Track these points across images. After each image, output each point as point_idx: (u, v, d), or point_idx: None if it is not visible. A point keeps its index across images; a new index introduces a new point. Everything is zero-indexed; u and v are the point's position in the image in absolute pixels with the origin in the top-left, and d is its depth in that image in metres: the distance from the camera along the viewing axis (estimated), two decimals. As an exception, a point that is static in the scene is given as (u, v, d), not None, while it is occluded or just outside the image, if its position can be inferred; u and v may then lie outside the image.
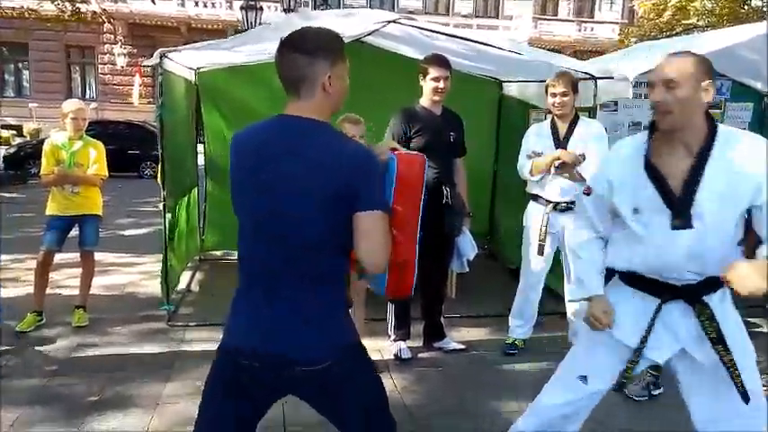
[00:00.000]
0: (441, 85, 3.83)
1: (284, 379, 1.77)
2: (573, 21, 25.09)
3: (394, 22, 4.51)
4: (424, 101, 3.94)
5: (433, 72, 3.83)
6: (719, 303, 2.10)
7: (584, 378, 2.28)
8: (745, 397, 2.02)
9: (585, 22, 25.17)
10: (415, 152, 2.13)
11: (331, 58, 1.78)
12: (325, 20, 4.55)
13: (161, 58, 4.28)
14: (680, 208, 2.03)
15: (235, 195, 1.83)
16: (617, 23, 24.08)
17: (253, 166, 1.76)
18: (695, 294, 2.09)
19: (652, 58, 5.26)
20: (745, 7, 14.97)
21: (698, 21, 15.68)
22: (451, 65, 3.93)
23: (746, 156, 1.98)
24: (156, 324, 4.60)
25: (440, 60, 3.87)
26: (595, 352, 2.29)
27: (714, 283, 2.05)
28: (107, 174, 4.63)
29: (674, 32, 15.24)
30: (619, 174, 2.18)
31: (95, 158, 4.53)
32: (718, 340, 2.04)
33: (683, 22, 15.38)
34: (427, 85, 3.87)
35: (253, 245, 1.80)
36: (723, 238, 2.02)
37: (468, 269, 4.15)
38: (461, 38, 4.79)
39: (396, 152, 1.92)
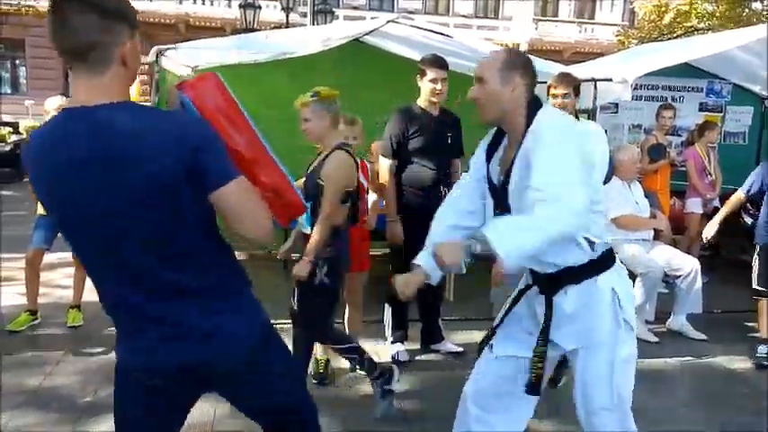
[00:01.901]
0: (438, 86, 3.82)
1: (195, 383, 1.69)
2: (574, 22, 25.04)
3: (393, 21, 4.49)
4: (422, 101, 3.92)
5: (431, 74, 3.82)
6: (576, 296, 2.10)
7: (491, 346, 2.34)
8: (532, 390, 2.14)
9: (586, 23, 25.14)
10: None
11: (130, 24, 1.45)
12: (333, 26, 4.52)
13: (157, 55, 4.25)
14: (499, 197, 2.12)
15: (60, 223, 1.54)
16: (618, 25, 24.05)
17: (64, 191, 1.43)
18: (542, 283, 2.16)
19: (652, 61, 5.26)
20: (746, 10, 14.95)
21: (698, 23, 15.67)
22: (449, 65, 3.90)
23: (532, 141, 2.00)
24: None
25: (437, 62, 3.85)
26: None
27: (561, 275, 2.09)
28: None
29: (674, 35, 15.22)
30: (475, 163, 2.29)
31: None
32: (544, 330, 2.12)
33: (684, 24, 15.36)
34: (425, 86, 3.86)
35: (107, 280, 1.57)
36: None
37: (465, 271, 4.10)
38: (454, 38, 4.80)
39: (182, 85, 1.66)
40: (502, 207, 2.10)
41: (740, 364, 4.23)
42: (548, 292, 2.14)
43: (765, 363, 4.14)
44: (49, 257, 4.60)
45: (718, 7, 14.74)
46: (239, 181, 1.49)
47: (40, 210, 4.46)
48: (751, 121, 7.13)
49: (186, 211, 1.47)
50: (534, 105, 2.08)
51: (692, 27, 15.70)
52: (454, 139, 3.97)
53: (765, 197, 4.29)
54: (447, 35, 4.84)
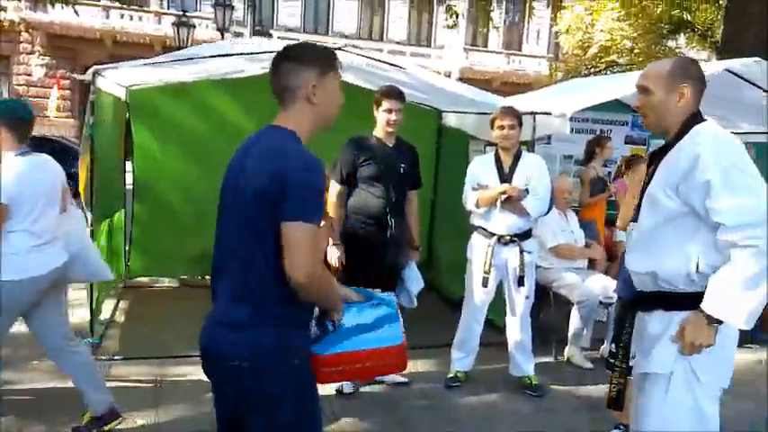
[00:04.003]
0: (393, 117, 3.83)
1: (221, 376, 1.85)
2: (502, 53, 25.93)
3: (340, 49, 4.48)
4: (378, 131, 3.92)
5: (386, 104, 3.83)
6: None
7: None
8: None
9: (514, 54, 26.08)
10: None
11: (318, 68, 1.78)
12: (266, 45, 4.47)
13: (94, 75, 4.06)
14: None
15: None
16: (543, 57, 25.09)
17: (226, 175, 1.86)
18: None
19: (588, 96, 5.47)
20: (663, 47, 15.97)
21: (618, 58, 16.61)
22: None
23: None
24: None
25: (393, 93, 3.87)
26: None
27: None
28: None
29: (597, 68, 16.04)
30: None
31: None
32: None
33: (606, 59, 16.22)
34: (380, 116, 3.87)
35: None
36: None
37: (416, 304, 4.09)
38: (402, 67, 4.84)
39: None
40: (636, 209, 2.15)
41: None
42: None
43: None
44: None
45: (637, 44, 15.66)
46: (309, 228, 1.67)
47: None
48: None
49: (267, 231, 1.70)
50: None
51: (613, 62, 16.62)
52: (408, 170, 3.95)
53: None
54: (400, 66, 4.88)
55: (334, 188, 3.94)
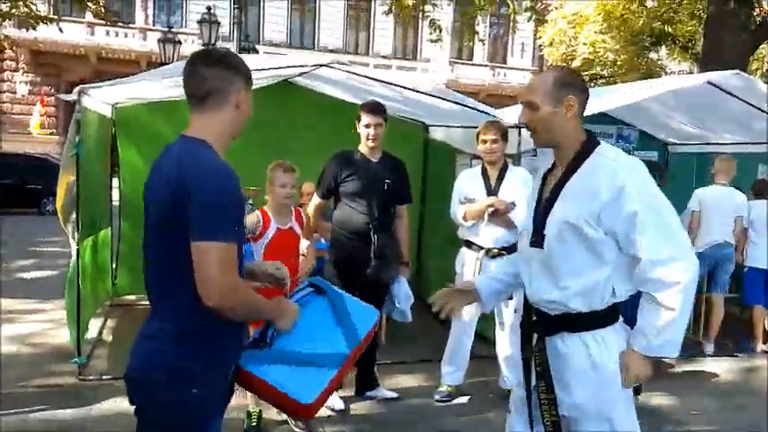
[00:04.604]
0: (372, 131, 3.83)
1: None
2: (487, 65, 26.16)
3: (327, 65, 4.51)
4: (362, 146, 3.93)
5: (365, 119, 3.83)
6: (573, 339, 2.04)
7: None
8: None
9: (498, 67, 26.32)
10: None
11: (246, 77, 1.81)
12: (256, 61, 4.48)
13: (80, 94, 4.05)
14: (536, 226, 2.09)
15: None
16: (528, 70, 25.34)
17: (144, 190, 1.82)
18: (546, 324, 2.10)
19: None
20: (645, 59, 16.19)
21: (601, 70, 16.82)
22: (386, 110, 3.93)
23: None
24: (65, 379, 4.22)
25: (372, 108, 3.86)
26: None
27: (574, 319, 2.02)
28: None
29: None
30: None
31: None
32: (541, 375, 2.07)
33: (589, 72, 16.41)
34: (361, 131, 3.88)
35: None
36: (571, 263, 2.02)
37: (410, 319, 4.09)
38: (389, 83, 4.86)
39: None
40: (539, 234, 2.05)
41: (661, 400, 4.40)
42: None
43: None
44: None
45: (619, 56, 15.87)
46: (218, 246, 1.61)
47: None
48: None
49: (178, 248, 1.64)
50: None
51: (596, 74, 16.83)
52: (393, 186, 3.94)
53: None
54: (388, 82, 4.91)
55: (314, 201, 4.00)
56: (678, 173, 7.00)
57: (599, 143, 2.05)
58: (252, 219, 3.42)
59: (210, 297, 1.61)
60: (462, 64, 25.97)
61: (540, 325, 2.11)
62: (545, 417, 2.05)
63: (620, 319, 2.08)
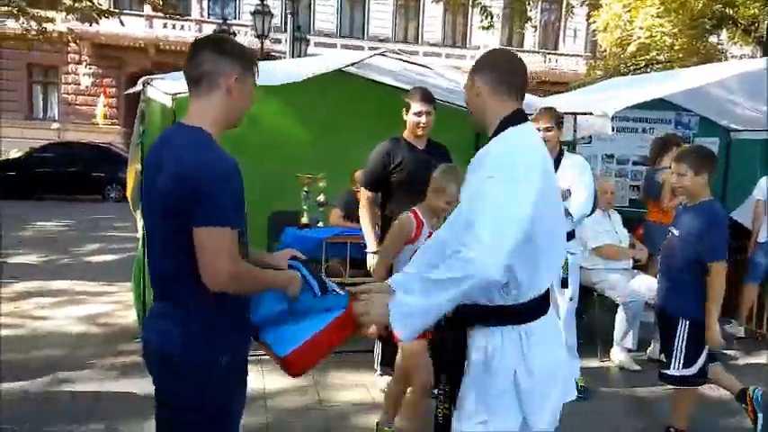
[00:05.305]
0: (423, 120, 3.79)
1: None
2: (538, 52, 25.70)
3: (382, 54, 4.55)
4: (407, 134, 3.89)
5: (416, 107, 3.79)
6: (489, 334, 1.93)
7: None
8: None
9: (550, 54, 25.82)
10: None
11: (243, 63, 1.80)
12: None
13: (144, 85, 4.22)
14: None
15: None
16: (580, 56, 24.78)
17: (144, 175, 1.86)
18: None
19: (630, 95, 5.42)
20: (704, 43, 15.60)
21: (658, 55, 16.27)
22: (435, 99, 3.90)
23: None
24: (132, 358, 4.44)
25: (422, 95, 3.83)
26: None
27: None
28: None
29: (637, 66, 15.74)
30: None
31: None
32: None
33: (645, 57, 15.92)
34: (409, 119, 3.84)
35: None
36: None
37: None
38: (439, 73, 4.87)
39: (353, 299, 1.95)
40: None
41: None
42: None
43: None
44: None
45: (677, 40, 15.32)
46: (221, 231, 1.65)
47: None
48: (717, 152, 7.38)
49: (182, 239, 1.67)
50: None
51: (652, 59, 16.30)
52: None
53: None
54: (438, 72, 4.91)
55: (364, 195, 3.94)
56: (741, 160, 6.77)
57: (523, 121, 1.95)
58: (405, 222, 3.30)
59: (213, 282, 1.66)
60: (513, 51, 25.58)
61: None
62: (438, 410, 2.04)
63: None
